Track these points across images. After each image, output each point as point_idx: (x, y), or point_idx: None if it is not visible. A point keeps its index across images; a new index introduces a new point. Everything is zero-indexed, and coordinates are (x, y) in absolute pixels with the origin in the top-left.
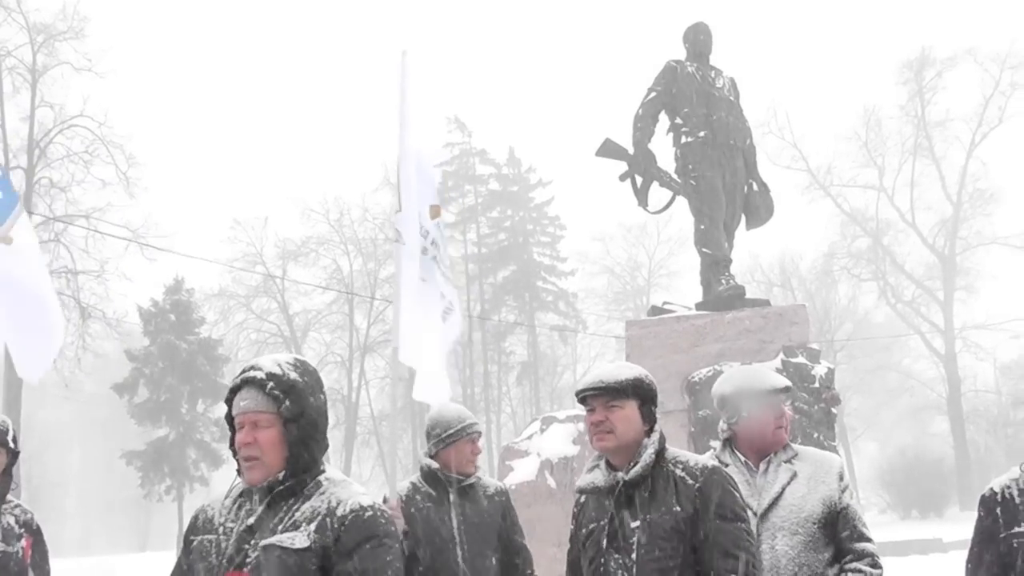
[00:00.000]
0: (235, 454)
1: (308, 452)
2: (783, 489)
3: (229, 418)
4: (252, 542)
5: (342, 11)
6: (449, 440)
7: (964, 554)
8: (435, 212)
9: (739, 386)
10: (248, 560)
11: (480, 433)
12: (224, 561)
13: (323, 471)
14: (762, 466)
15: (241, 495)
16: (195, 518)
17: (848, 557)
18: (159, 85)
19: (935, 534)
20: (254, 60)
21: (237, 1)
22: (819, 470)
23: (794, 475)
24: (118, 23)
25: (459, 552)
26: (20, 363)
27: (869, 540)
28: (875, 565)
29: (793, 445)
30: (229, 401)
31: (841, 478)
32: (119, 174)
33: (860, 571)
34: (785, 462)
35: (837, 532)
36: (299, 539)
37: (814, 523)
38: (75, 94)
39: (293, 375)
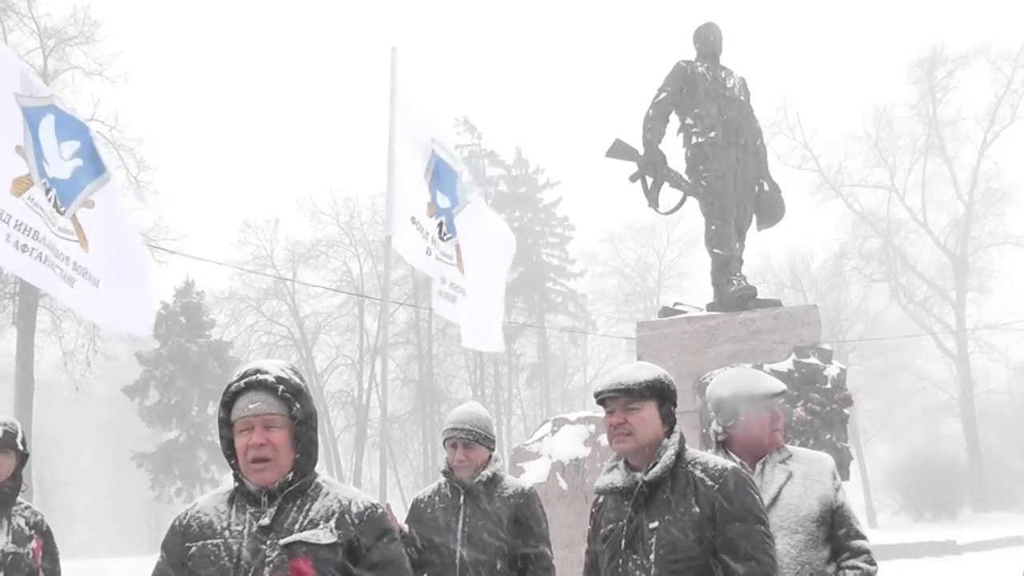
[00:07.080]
0: (229, 457)
1: (312, 454)
2: (780, 489)
3: (225, 421)
4: (268, 542)
5: (353, 13)
6: (444, 442)
7: (978, 556)
8: (431, 210)
9: (736, 390)
10: (268, 559)
11: (464, 439)
12: (240, 563)
13: (317, 474)
14: (758, 467)
15: (234, 499)
16: (187, 526)
17: (845, 555)
18: (169, 88)
19: (948, 536)
20: (264, 63)
21: (247, 4)
22: (813, 469)
23: (790, 475)
24: (128, 27)
25: (459, 553)
26: (121, 321)
27: (864, 537)
28: (871, 562)
29: (787, 446)
30: (228, 404)
31: (834, 477)
32: (130, 178)
33: (857, 568)
34: (780, 463)
35: (833, 530)
36: (323, 535)
37: (812, 521)
38: (86, 98)
39: (296, 379)
